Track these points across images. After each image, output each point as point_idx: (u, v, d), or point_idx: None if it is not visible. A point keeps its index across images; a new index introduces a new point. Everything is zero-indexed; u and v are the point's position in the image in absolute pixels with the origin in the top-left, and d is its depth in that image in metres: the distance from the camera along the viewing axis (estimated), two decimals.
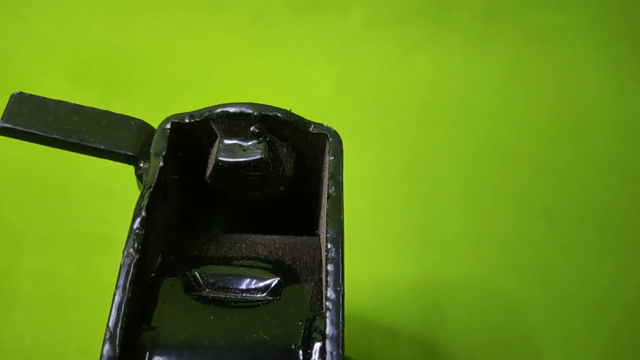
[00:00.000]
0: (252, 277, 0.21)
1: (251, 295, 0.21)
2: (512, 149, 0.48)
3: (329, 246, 0.20)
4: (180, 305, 0.20)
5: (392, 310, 0.38)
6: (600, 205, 0.46)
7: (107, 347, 0.17)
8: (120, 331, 0.18)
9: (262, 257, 0.23)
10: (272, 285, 0.21)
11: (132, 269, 0.19)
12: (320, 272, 0.22)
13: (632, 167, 0.47)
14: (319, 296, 0.21)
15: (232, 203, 0.26)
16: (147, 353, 0.19)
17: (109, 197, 0.42)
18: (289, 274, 0.22)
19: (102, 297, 0.37)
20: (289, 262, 0.22)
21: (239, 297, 0.21)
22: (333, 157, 0.22)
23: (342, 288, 0.19)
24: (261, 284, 0.21)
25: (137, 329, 0.19)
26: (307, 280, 0.21)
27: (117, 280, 0.18)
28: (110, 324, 0.18)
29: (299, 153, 0.24)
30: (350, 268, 0.40)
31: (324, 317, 0.19)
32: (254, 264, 0.22)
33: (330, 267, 0.19)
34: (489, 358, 0.37)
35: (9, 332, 0.35)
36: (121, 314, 0.18)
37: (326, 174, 0.23)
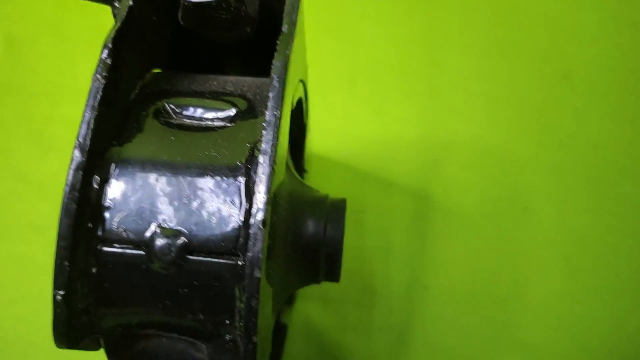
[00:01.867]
0: (214, 107, 0.24)
1: (211, 122, 0.24)
2: (538, 8, 0.47)
3: (273, 76, 0.22)
4: (147, 129, 0.23)
5: (392, 164, 0.40)
6: (623, 72, 0.45)
7: (76, 152, 0.21)
8: (87, 141, 0.21)
9: (228, 92, 0.25)
10: (230, 115, 0.24)
11: (99, 93, 0.21)
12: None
13: None
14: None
15: (212, 48, 0.28)
16: (113, 164, 0.22)
17: None
18: (247, 106, 0.24)
19: None
20: (250, 97, 0.25)
21: (201, 124, 0.24)
22: None
23: (279, 112, 0.21)
24: (220, 114, 0.24)
25: (107, 144, 0.22)
26: (262, 112, 0.24)
27: (87, 101, 0.21)
28: (79, 137, 0.21)
29: None
30: (356, 123, 0.42)
31: (261, 137, 0.21)
32: (219, 97, 0.25)
33: (271, 94, 0.21)
34: (477, 210, 0.39)
35: (46, 172, 0.40)
36: (89, 128, 0.21)
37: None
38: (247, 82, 0.26)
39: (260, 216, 0.20)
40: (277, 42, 0.23)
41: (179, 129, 0.23)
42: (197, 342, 0.23)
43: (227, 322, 0.22)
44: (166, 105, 0.24)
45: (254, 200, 0.20)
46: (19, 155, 0.41)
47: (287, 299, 0.34)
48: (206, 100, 0.24)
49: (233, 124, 0.23)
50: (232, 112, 0.24)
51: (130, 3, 0.23)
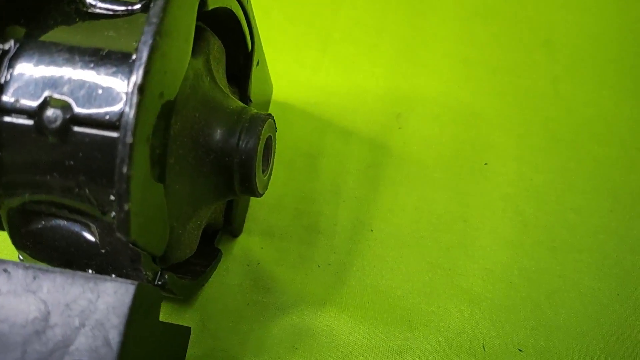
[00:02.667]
0: (124, 2, 0.24)
1: (122, 8, 0.24)
2: None
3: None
4: (59, 14, 0.24)
5: (354, 115, 0.40)
6: (603, 41, 0.43)
7: None
8: None
9: None
10: (137, 8, 0.24)
11: None
12: None
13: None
14: None
15: None
16: (16, 38, 0.23)
17: None
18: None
19: None
20: None
21: (111, 9, 0.24)
22: None
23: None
24: (130, 7, 0.24)
25: (13, 23, 0.23)
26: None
27: None
28: None
29: None
30: (325, 76, 0.42)
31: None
32: None
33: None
34: (435, 161, 0.38)
35: None
36: None
37: None
38: None
39: (139, 80, 0.20)
40: None
41: (87, 16, 0.24)
42: (89, 222, 0.23)
43: (112, 198, 0.22)
44: None
45: (134, 69, 0.20)
46: None
47: (226, 230, 0.34)
48: None
49: (139, 15, 0.24)
50: (139, 5, 0.24)
51: None
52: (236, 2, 0.29)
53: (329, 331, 0.31)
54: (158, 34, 0.21)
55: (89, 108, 0.21)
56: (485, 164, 0.38)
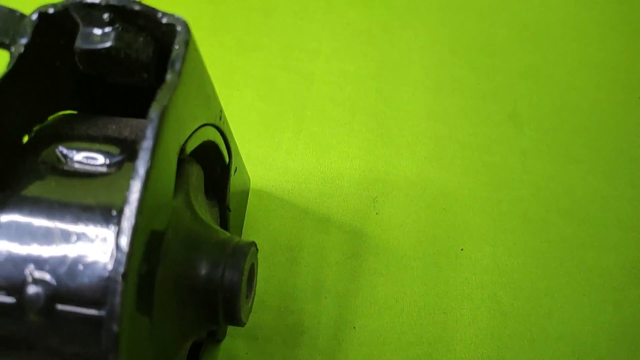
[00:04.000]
0: (103, 152, 0.24)
1: (99, 168, 0.24)
2: (487, 48, 0.47)
3: (148, 125, 0.22)
4: (33, 173, 0.24)
5: (331, 200, 0.40)
6: (568, 113, 0.44)
7: None
8: None
9: (122, 137, 0.25)
10: (117, 161, 0.24)
11: None
12: None
13: (606, 77, 0.45)
14: None
15: (118, 90, 0.28)
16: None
17: None
18: (133, 152, 0.24)
19: None
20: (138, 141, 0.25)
21: (87, 169, 0.24)
22: (177, 47, 0.23)
23: (149, 164, 0.21)
24: (109, 160, 0.24)
25: None
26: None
27: None
28: None
29: (161, 44, 0.25)
30: (300, 159, 0.42)
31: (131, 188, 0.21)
32: (111, 143, 0.25)
33: (144, 144, 0.21)
34: (413, 249, 0.38)
35: None
36: None
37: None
38: (143, 126, 0.26)
39: (121, 268, 0.20)
40: (157, 91, 0.23)
41: (63, 175, 0.24)
42: None
43: None
44: (56, 150, 0.24)
45: (117, 253, 0.20)
46: None
47: (210, 336, 0.34)
48: (97, 145, 0.25)
49: (118, 171, 0.24)
50: (119, 158, 0.24)
51: (22, 50, 0.24)
52: (213, 129, 0.29)
53: None
54: (139, 214, 0.21)
55: (72, 285, 0.21)
56: (462, 249, 0.38)
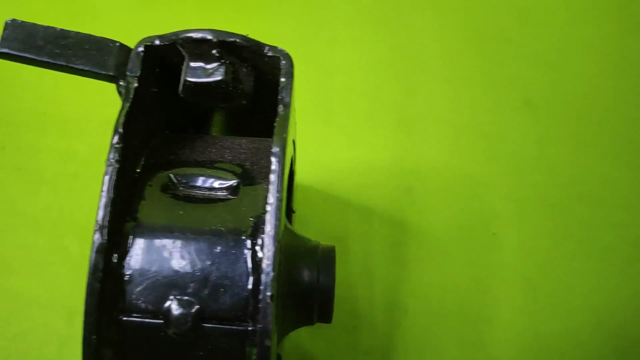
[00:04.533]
0: (216, 177, 0.26)
1: (214, 193, 0.26)
2: (500, 35, 0.50)
3: (273, 159, 0.24)
4: (156, 201, 0.25)
5: (368, 191, 0.43)
6: (581, 99, 0.48)
7: (96, 235, 0.23)
8: (106, 224, 0.23)
9: (228, 160, 0.27)
10: (232, 186, 0.26)
11: (113, 176, 0.23)
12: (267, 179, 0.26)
13: (616, 63, 0.49)
14: (266, 199, 0.26)
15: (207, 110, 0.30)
16: (130, 237, 0.24)
17: None
18: (247, 177, 0.26)
19: None
20: (247, 167, 0.27)
21: (205, 194, 0.26)
22: (284, 79, 0.25)
23: (280, 195, 0.23)
24: (223, 184, 0.26)
25: (121, 220, 0.24)
26: (260, 183, 0.26)
27: (102, 185, 0.23)
28: (98, 219, 0.23)
29: (258, 71, 0.27)
30: (333, 151, 0.45)
31: (265, 217, 0.23)
32: (219, 167, 0.27)
33: (272, 177, 0.24)
34: (449, 235, 0.42)
35: (38, 205, 0.42)
36: (107, 211, 0.23)
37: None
38: (242, 148, 0.28)
39: (268, 292, 0.23)
40: (274, 124, 0.25)
41: (185, 201, 0.25)
42: None
43: None
44: (171, 176, 0.26)
45: (262, 277, 0.23)
46: (8, 187, 0.42)
47: None
48: (208, 171, 0.26)
49: (235, 197, 0.26)
50: (233, 182, 0.26)
51: (135, 85, 0.25)
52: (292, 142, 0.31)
53: None
54: (278, 242, 0.23)
55: (214, 305, 0.23)
56: (493, 233, 0.42)
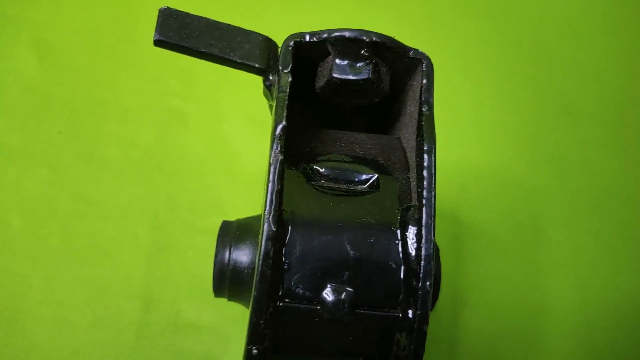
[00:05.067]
0: (356, 171, 0.27)
1: (355, 187, 0.27)
2: (544, 46, 0.52)
3: (425, 157, 0.25)
4: (306, 192, 0.26)
5: None
6: (620, 105, 0.51)
7: (266, 225, 0.23)
8: (274, 214, 0.24)
9: (360, 155, 0.28)
10: (372, 180, 0.27)
11: (278, 167, 0.24)
12: (407, 172, 0.28)
13: None
14: (407, 192, 0.27)
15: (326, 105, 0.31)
16: (289, 227, 0.25)
17: (176, 71, 0.46)
18: (383, 172, 0.27)
19: (182, 165, 0.43)
20: (382, 162, 0.28)
21: (347, 187, 0.27)
22: (426, 81, 0.27)
23: (435, 189, 0.25)
24: (363, 178, 0.27)
25: (280, 210, 0.25)
26: (397, 178, 0.27)
27: (269, 175, 0.24)
28: (267, 209, 0.23)
29: (393, 71, 0.28)
30: None
31: (420, 210, 0.25)
32: (355, 161, 0.28)
33: (425, 173, 0.25)
34: (502, 232, 0.44)
35: (104, 192, 0.41)
36: (274, 201, 0.24)
37: (414, 91, 0.28)
38: (368, 144, 0.29)
39: (428, 281, 0.24)
40: (422, 123, 0.26)
41: (331, 194, 0.26)
42: None
43: None
44: (315, 169, 0.27)
45: (422, 265, 0.24)
46: (72, 174, 0.42)
47: None
48: (346, 165, 0.27)
49: (377, 190, 0.27)
50: (372, 177, 0.27)
51: (290, 79, 0.26)
52: None
53: None
54: (434, 236, 0.24)
55: (368, 292, 0.25)
56: (544, 232, 0.45)
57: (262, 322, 0.23)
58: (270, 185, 0.24)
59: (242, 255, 0.29)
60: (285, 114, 0.25)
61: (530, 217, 0.45)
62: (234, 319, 0.38)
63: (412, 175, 0.27)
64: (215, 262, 0.30)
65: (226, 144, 0.44)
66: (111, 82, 0.46)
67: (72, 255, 0.39)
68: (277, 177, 0.24)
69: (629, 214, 0.46)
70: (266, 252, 0.23)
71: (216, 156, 0.44)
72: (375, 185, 0.27)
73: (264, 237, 0.23)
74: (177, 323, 0.37)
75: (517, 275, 0.43)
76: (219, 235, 0.30)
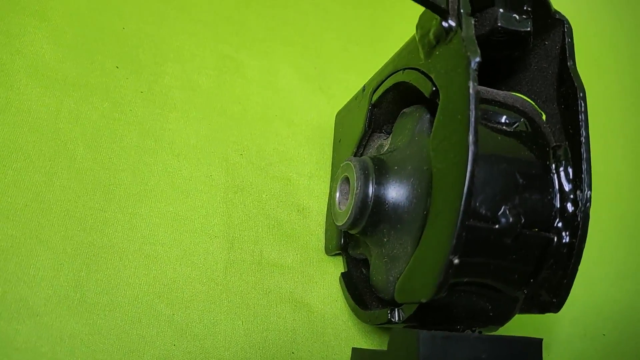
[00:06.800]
0: (505, 115, 0.31)
1: (512, 128, 0.30)
2: None
3: (581, 103, 0.29)
4: (480, 130, 0.29)
5: None
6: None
7: (472, 148, 0.25)
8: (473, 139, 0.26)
9: (507, 103, 0.32)
10: (518, 122, 0.31)
11: (476, 98, 0.26)
12: (540, 119, 0.31)
13: None
14: (548, 134, 0.31)
15: None
16: None
17: (227, 20, 0.46)
18: (524, 116, 0.31)
19: (244, 112, 0.43)
20: (522, 109, 0.32)
21: (507, 129, 0.30)
22: (569, 39, 0.31)
23: (588, 131, 0.29)
24: (511, 120, 0.31)
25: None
26: (540, 123, 0.31)
27: (469, 112, 0.26)
28: (471, 135, 0.26)
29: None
30: None
31: (572, 148, 0.29)
32: (501, 106, 0.31)
33: (583, 117, 0.29)
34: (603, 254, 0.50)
35: (171, 130, 0.40)
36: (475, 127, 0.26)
37: (546, 49, 0.32)
38: (502, 95, 0.32)
39: (588, 204, 0.28)
40: (570, 74, 0.30)
41: (498, 132, 0.29)
42: (489, 294, 0.30)
43: (532, 281, 0.29)
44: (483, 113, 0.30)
45: (579, 195, 0.28)
46: (137, 111, 0.40)
47: None
48: (500, 109, 0.31)
49: (529, 130, 0.30)
50: (518, 120, 0.31)
51: (474, 21, 0.28)
52: None
53: None
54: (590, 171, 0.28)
55: (533, 216, 0.28)
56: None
57: (464, 234, 0.26)
58: (471, 121, 0.26)
59: (390, 190, 0.31)
60: (478, 50, 0.27)
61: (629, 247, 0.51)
62: (314, 261, 0.39)
63: (552, 120, 0.31)
64: (356, 194, 0.31)
65: (283, 96, 0.45)
66: (163, 20, 0.44)
67: (147, 191, 0.37)
68: (475, 106, 0.26)
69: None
70: (471, 176, 0.25)
71: (276, 106, 0.44)
72: (525, 126, 0.30)
73: (470, 160, 0.25)
74: (261, 262, 0.38)
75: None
76: (359, 169, 0.32)
